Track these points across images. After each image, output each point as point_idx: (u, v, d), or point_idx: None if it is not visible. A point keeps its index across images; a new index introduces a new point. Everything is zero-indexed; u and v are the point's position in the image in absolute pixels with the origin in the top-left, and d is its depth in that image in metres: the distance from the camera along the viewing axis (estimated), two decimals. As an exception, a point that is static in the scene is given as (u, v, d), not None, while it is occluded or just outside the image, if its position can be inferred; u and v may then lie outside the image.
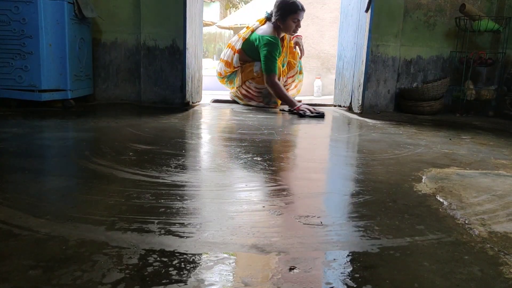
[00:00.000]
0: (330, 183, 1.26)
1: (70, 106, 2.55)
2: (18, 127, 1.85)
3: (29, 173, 1.16)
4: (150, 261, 0.68)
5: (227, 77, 3.24)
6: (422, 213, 0.96)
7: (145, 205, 0.94)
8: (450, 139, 1.64)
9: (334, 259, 0.72)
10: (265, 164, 1.38)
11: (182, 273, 0.64)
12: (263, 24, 3.17)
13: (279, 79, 3.05)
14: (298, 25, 3.09)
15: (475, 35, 3.08)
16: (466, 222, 0.92)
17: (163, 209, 0.92)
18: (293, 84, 3.36)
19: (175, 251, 0.72)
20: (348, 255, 0.74)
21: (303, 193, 1.10)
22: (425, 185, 1.19)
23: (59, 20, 2.41)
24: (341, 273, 0.67)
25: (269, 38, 2.99)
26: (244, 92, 3.19)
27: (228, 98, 3.47)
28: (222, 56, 3.28)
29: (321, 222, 0.88)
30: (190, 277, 0.63)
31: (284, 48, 3.18)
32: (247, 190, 1.09)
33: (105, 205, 0.93)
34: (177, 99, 2.96)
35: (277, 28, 3.07)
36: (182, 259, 0.69)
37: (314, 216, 0.91)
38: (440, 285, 0.65)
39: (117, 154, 1.42)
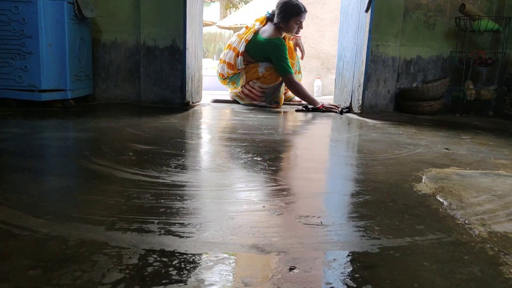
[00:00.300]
0: (330, 183, 1.26)
1: (70, 106, 2.55)
2: (18, 127, 1.85)
3: (29, 173, 1.16)
4: (150, 261, 0.68)
5: (229, 78, 3.23)
6: (422, 213, 0.96)
7: (145, 205, 0.94)
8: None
9: (334, 259, 0.72)
10: (265, 164, 1.38)
11: (182, 273, 0.64)
12: (264, 24, 3.18)
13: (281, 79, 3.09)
14: (300, 27, 3.13)
15: (475, 35, 3.08)
16: (466, 222, 0.92)
17: (163, 209, 0.92)
18: None
19: (175, 251, 0.72)
20: (348, 255, 0.74)
21: (303, 193, 1.10)
22: (425, 185, 1.19)
23: (59, 20, 2.41)
24: (341, 273, 0.67)
25: (276, 42, 3.02)
26: (247, 92, 3.19)
27: (228, 98, 3.47)
28: (222, 56, 3.28)
29: (321, 222, 0.88)
30: (190, 277, 0.63)
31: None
32: (247, 190, 1.09)
33: (105, 205, 0.93)
34: (177, 99, 2.96)
35: (279, 28, 3.09)
36: (182, 259, 0.69)
37: (314, 216, 0.91)
38: (440, 285, 0.65)
39: (117, 154, 1.42)
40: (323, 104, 3.00)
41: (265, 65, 3.07)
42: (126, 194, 1.01)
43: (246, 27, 3.24)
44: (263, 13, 3.27)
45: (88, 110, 2.57)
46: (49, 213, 0.87)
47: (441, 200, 1.07)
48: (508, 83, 3.10)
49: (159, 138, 1.75)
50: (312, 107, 3.02)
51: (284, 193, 1.08)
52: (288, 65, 3.02)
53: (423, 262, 0.72)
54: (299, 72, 3.42)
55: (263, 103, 3.19)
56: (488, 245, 0.79)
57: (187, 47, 2.84)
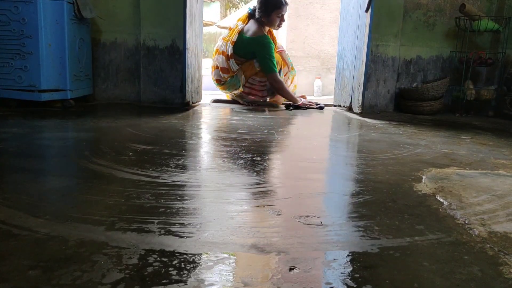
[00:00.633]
0: (330, 183, 1.26)
1: (69, 106, 2.55)
2: (18, 127, 1.85)
3: (29, 173, 1.16)
4: (150, 261, 0.68)
5: (228, 83, 3.22)
6: (422, 213, 0.96)
7: (145, 205, 0.94)
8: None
9: (334, 259, 0.72)
10: (265, 164, 1.38)
11: (182, 273, 0.64)
12: (247, 23, 3.18)
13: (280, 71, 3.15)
14: (282, 20, 3.15)
15: (475, 35, 3.08)
16: (466, 222, 0.92)
17: (163, 209, 0.92)
18: (289, 81, 3.39)
19: (175, 251, 0.72)
20: (348, 255, 0.74)
21: (303, 193, 1.10)
22: (425, 185, 1.19)
23: (58, 20, 2.41)
24: (341, 273, 0.67)
25: (262, 40, 3.03)
26: (247, 90, 3.20)
27: (228, 97, 3.47)
28: (213, 63, 3.25)
29: (321, 222, 0.88)
30: (190, 277, 0.63)
31: (274, 41, 3.25)
32: (247, 190, 1.09)
33: (105, 205, 0.93)
34: (177, 99, 2.96)
35: (261, 24, 3.10)
36: (182, 259, 0.69)
37: (314, 216, 0.91)
38: (440, 285, 0.65)
39: (117, 154, 1.42)
40: (302, 102, 3.15)
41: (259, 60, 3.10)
42: (126, 194, 1.01)
43: (230, 28, 3.24)
44: (245, 12, 3.29)
45: (88, 110, 2.57)
46: (49, 213, 0.87)
47: (441, 200, 1.07)
48: (508, 83, 3.10)
49: (159, 138, 1.75)
50: (293, 105, 3.14)
51: (284, 193, 1.08)
52: (274, 63, 3.05)
53: (423, 262, 0.72)
54: (292, 68, 3.44)
55: (266, 98, 3.20)
56: (488, 245, 0.79)
57: (187, 47, 2.84)
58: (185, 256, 0.70)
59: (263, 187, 1.14)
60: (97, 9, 2.83)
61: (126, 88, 3.01)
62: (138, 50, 2.96)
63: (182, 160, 1.38)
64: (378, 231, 0.84)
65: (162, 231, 0.80)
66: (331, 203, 1.04)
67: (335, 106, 3.49)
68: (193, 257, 0.70)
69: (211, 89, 4.38)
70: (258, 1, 3.11)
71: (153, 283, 0.61)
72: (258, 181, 1.18)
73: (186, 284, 0.61)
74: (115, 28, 2.94)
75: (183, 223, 0.84)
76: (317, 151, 1.74)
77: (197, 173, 1.24)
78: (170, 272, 0.64)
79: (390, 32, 3.09)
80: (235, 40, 3.10)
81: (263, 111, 2.95)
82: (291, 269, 0.68)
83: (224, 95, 3.59)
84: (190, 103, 3.05)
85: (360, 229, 0.85)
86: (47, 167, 1.30)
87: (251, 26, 3.12)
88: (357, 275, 0.66)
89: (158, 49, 2.94)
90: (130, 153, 1.44)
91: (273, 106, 3.26)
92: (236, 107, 3.15)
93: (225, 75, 3.17)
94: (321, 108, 3.19)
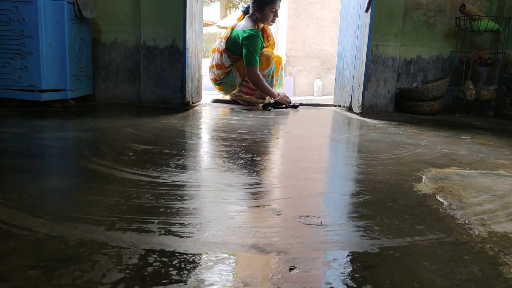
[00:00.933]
0: (330, 183, 1.26)
1: (70, 106, 2.55)
2: (18, 127, 1.85)
3: (29, 173, 1.16)
4: (150, 261, 0.68)
5: (224, 82, 3.21)
6: (422, 213, 0.96)
7: (145, 205, 0.94)
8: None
9: (334, 259, 0.72)
10: (265, 164, 1.38)
11: (182, 273, 0.64)
12: (241, 20, 3.19)
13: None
14: (275, 15, 3.14)
15: (475, 35, 3.08)
16: (466, 222, 0.92)
17: (163, 209, 0.92)
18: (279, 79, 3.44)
19: (175, 251, 0.72)
20: (348, 255, 0.74)
21: (303, 193, 1.10)
22: (425, 185, 1.19)
23: (59, 20, 2.41)
24: (341, 273, 0.67)
25: (250, 32, 3.02)
26: (245, 89, 3.20)
27: (228, 98, 3.47)
28: (210, 63, 3.26)
29: (321, 222, 0.88)
30: (190, 277, 0.63)
31: (269, 39, 3.25)
32: (247, 190, 1.09)
33: (105, 205, 0.93)
34: (177, 99, 2.96)
35: (255, 20, 3.10)
36: (182, 259, 0.69)
37: (314, 216, 0.91)
38: (440, 285, 0.65)
39: (117, 154, 1.42)
40: (280, 97, 3.13)
41: None
42: (126, 194, 1.01)
43: (227, 28, 3.27)
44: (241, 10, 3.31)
45: (88, 110, 2.57)
46: (49, 213, 0.87)
47: (441, 200, 1.07)
48: (508, 83, 3.10)
49: (159, 138, 1.75)
50: (273, 101, 3.13)
51: (284, 193, 1.09)
52: (256, 58, 3.02)
53: (423, 262, 0.72)
54: (282, 69, 3.45)
55: (263, 94, 3.20)
56: (488, 245, 0.80)
57: (187, 47, 2.84)
58: (185, 256, 0.70)
59: (263, 187, 1.14)
60: (97, 9, 2.83)
61: (126, 88, 3.01)
62: (138, 50, 2.96)
63: (182, 160, 1.38)
64: (378, 231, 0.84)
65: (162, 231, 0.80)
66: (331, 203, 1.04)
67: (335, 106, 3.49)
68: (193, 257, 0.70)
69: (211, 89, 4.37)
70: None
71: (153, 283, 0.61)
72: (258, 181, 1.18)
73: (186, 284, 0.61)
74: (115, 28, 2.94)
75: (183, 223, 0.84)
76: (317, 151, 1.74)
77: (197, 173, 1.24)
78: (170, 272, 0.64)
79: (390, 32, 3.09)
80: (228, 36, 3.12)
81: (262, 110, 2.95)
82: (291, 269, 0.68)
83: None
84: (190, 103, 3.05)
85: (360, 229, 0.85)
86: (47, 167, 1.30)
87: (244, 22, 3.13)
88: (357, 275, 0.66)
89: (158, 49, 2.94)
90: (130, 153, 1.44)
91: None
92: (236, 107, 3.15)
93: (219, 72, 3.16)
94: (295, 106, 3.22)
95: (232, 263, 0.69)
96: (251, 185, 1.14)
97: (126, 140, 1.67)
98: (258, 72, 3.05)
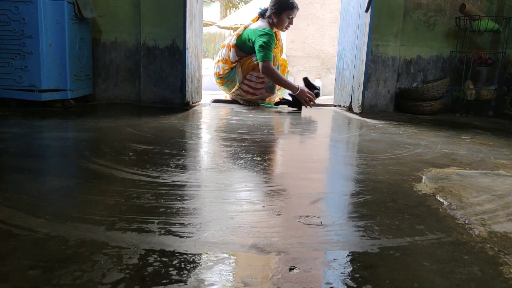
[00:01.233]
0: (330, 183, 1.26)
1: (70, 106, 2.55)
2: (18, 127, 1.85)
3: (29, 173, 1.16)
4: (150, 261, 0.68)
5: (226, 77, 3.23)
6: (422, 213, 0.96)
7: (145, 205, 0.94)
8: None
9: (334, 259, 0.72)
10: (265, 164, 1.38)
11: (182, 273, 0.64)
12: (256, 21, 3.22)
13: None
14: (290, 22, 3.18)
15: (475, 35, 3.08)
16: (466, 222, 0.92)
17: (163, 209, 0.92)
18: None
19: (175, 251, 0.72)
20: (348, 255, 0.74)
21: (303, 193, 1.10)
22: (425, 185, 1.19)
23: (59, 20, 2.41)
24: (341, 273, 0.67)
25: (266, 31, 3.04)
26: (246, 88, 3.19)
27: (228, 98, 3.47)
28: (218, 57, 3.31)
29: (321, 222, 0.88)
30: (190, 277, 0.63)
31: (277, 43, 3.24)
32: (247, 190, 1.09)
33: (105, 205, 0.93)
34: (177, 99, 2.96)
35: (271, 24, 3.13)
36: (182, 259, 0.69)
37: (314, 216, 0.91)
38: (440, 285, 0.65)
39: (117, 154, 1.42)
40: (300, 90, 2.97)
41: None
42: (126, 194, 1.01)
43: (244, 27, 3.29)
44: (251, 12, 3.33)
45: (88, 110, 2.57)
46: (49, 213, 0.87)
47: (441, 200, 1.07)
48: (508, 83, 3.10)
49: (159, 138, 1.75)
50: (289, 99, 3.06)
51: (284, 193, 1.08)
52: (271, 53, 3.01)
53: (423, 262, 0.72)
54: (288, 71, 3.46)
55: (266, 95, 3.20)
56: (488, 245, 0.79)
57: (187, 47, 2.84)
58: (185, 256, 0.70)
59: (263, 187, 1.14)
60: (98, 9, 2.83)
61: (126, 88, 3.01)
62: (138, 50, 2.96)
63: (182, 160, 1.38)
64: (378, 231, 0.84)
65: (162, 231, 0.80)
66: (331, 203, 1.04)
67: (335, 106, 3.49)
68: (193, 257, 0.70)
69: (211, 89, 4.39)
70: (271, 1, 3.16)
71: (153, 283, 0.61)
72: (258, 181, 1.18)
73: (186, 284, 0.61)
74: (116, 28, 2.94)
75: (183, 223, 0.84)
76: (317, 151, 1.74)
77: (197, 173, 1.24)
78: (170, 272, 0.64)
79: (390, 32, 3.09)
80: (240, 33, 3.16)
81: (262, 110, 2.95)
82: (291, 269, 0.68)
83: (224, 95, 3.60)
84: (190, 103, 3.05)
85: (360, 229, 0.85)
86: (47, 167, 1.30)
87: (260, 23, 3.16)
88: (357, 275, 0.66)
89: (158, 49, 2.94)
90: (130, 153, 1.44)
91: (269, 106, 3.27)
92: (236, 107, 3.15)
93: (224, 66, 3.19)
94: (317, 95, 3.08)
95: (232, 263, 0.69)
96: (251, 185, 1.14)
97: (126, 140, 1.67)
98: (273, 67, 3.05)
